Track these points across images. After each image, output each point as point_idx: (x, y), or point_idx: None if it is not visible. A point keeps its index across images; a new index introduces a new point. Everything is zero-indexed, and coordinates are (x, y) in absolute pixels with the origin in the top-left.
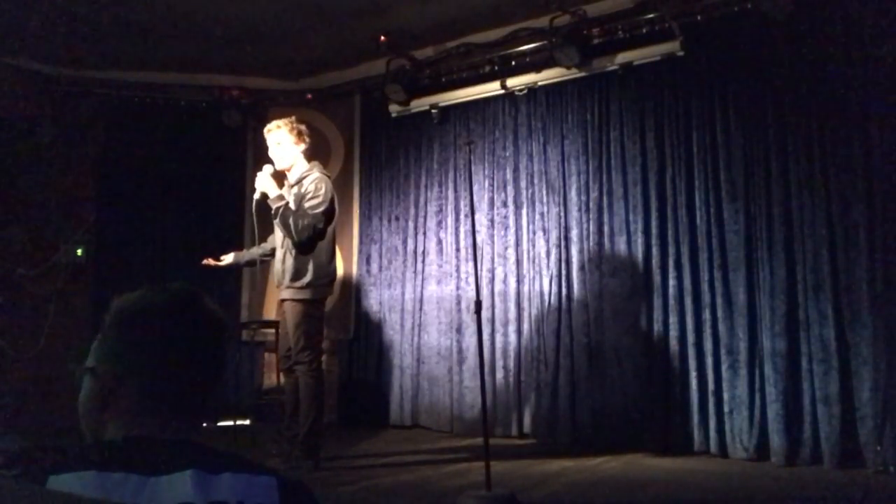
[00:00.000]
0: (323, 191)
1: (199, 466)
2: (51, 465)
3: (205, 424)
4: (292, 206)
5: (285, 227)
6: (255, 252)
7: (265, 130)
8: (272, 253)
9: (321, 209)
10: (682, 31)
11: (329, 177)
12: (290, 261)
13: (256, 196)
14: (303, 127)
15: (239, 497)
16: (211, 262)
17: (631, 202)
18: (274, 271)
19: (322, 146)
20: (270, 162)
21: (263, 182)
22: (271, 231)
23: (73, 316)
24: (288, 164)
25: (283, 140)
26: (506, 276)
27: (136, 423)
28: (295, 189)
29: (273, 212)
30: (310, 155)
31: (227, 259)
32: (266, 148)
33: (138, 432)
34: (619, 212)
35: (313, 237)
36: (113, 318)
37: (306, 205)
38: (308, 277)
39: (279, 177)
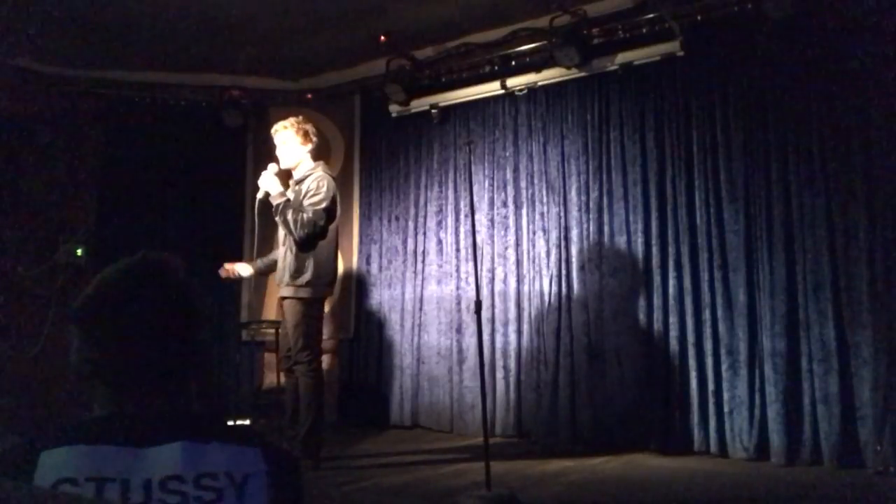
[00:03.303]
0: (325, 188)
1: (188, 436)
2: (42, 441)
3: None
4: (294, 203)
5: (285, 223)
6: (266, 261)
7: (272, 131)
8: (275, 265)
9: (322, 206)
10: (682, 31)
11: (333, 177)
12: (290, 258)
13: (259, 195)
14: (309, 126)
15: (227, 467)
16: (229, 272)
17: (631, 202)
18: (276, 269)
19: (322, 146)
20: (273, 161)
21: (267, 181)
22: (274, 230)
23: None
24: (294, 163)
25: (289, 140)
26: (506, 276)
27: (119, 403)
28: (297, 187)
29: (274, 208)
30: (316, 155)
31: (245, 272)
32: (268, 148)
33: (125, 409)
34: (619, 212)
35: (314, 234)
36: (73, 313)
37: (307, 202)
38: (308, 275)
39: (284, 176)
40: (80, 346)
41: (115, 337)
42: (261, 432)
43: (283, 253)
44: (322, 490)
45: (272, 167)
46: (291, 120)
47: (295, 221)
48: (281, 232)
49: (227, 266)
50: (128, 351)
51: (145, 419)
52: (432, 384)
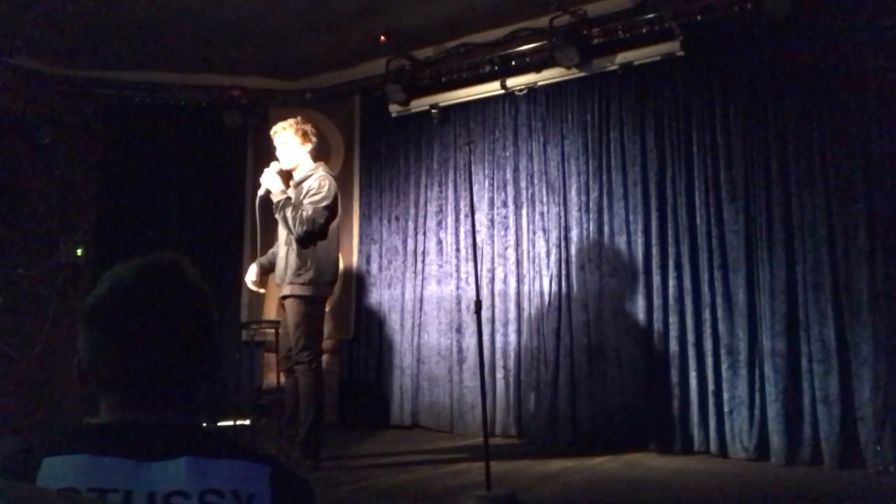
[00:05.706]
0: (326, 188)
1: (194, 452)
2: (45, 448)
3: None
4: (294, 202)
5: (284, 220)
6: (270, 257)
7: (271, 132)
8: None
9: (323, 204)
10: (682, 31)
11: (334, 176)
12: (292, 257)
13: (261, 192)
14: (308, 126)
15: (233, 485)
16: (256, 287)
17: (631, 202)
18: (276, 269)
19: (322, 146)
20: (275, 160)
21: (268, 178)
22: (275, 228)
23: (73, 316)
24: (294, 163)
25: (289, 141)
26: (506, 276)
27: (125, 410)
28: (298, 188)
29: (274, 205)
30: (316, 155)
31: (252, 275)
32: (268, 147)
33: (130, 417)
34: (619, 212)
35: (313, 232)
36: (83, 311)
37: (307, 200)
38: (310, 274)
39: (285, 177)
40: (89, 347)
41: (127, 339)
42: (274, 454)
43: (285, 252)
44: (322, 490)
45: (274, 165)
46: (290, 121)
47: (294, 218)
48: (282, 231)
49: (253, 280)
50: (139, 355)
51: (152, 430)
52: (432, 384)
